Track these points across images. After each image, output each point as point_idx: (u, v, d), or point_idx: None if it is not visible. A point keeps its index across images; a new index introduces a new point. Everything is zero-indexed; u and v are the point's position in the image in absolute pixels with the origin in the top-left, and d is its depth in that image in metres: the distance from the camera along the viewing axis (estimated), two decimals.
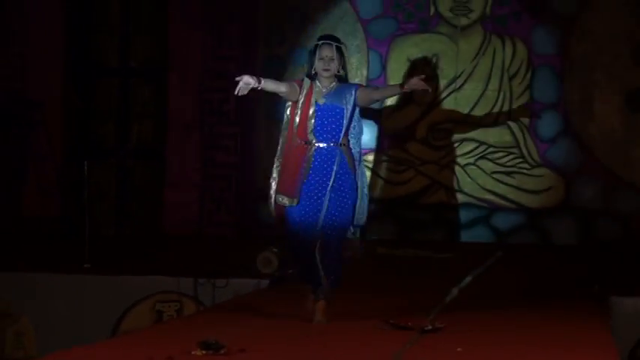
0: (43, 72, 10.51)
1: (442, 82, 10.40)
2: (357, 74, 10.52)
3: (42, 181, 10.44)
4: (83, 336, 7.29)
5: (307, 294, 6.23)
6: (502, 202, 10.21)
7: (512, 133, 10.25)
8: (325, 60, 6.10)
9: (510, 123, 10.26)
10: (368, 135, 10.37)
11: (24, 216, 10.43)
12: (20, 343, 7.90)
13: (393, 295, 7.30)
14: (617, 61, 10.05)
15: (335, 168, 6.03)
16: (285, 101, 6.31)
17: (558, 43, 10.18)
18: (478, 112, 10.34)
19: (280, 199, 6.11)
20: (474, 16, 10.33)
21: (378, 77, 10.51)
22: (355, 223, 6.19)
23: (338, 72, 6.12)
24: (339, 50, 6.12)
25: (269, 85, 6.17)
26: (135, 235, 10.47)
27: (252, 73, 11.00)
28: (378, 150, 10.42)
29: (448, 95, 10.38)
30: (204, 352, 5.01)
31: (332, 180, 6.01)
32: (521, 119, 10.24)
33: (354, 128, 6.17)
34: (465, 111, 10.34)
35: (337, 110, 6.08)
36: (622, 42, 10.03)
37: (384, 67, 10.51)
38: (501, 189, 10.23)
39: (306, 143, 6.11)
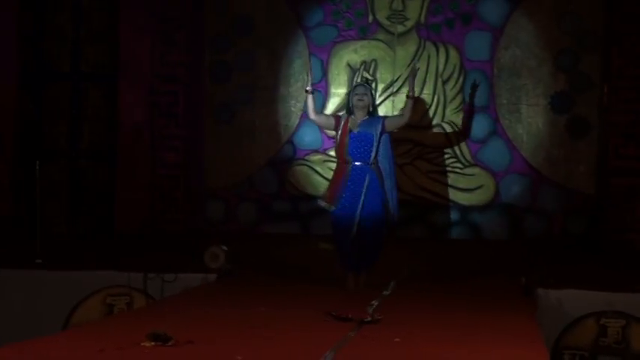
0: None
1: (380, 87, 10.44)
2: (299, 78, 10.52)
3: None
4: (35, 329, 7.18)
5: (347, 276, 7.52)
6: (437, 199, 10.28)
7: (446, 135, 10.32)
8: (359, 95, 7.61)
9: (444, 125, 10.33)
10: (311, 136, 10.41)
11: None
12: None
13: (336, 288, 7.30)
14: (542, 67, 10.18)
15: (366, 182, 7.45)
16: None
17: (489, 50, 10.28)
18: (414, 114, 10.35)
19: (322, 203, 7.62)
20: (409, 23, 10.38)
21: (319, 82, 10.51)
22: (390, 217, 7.63)
23: (371, 106, 7.61)
24: (368, 88, 7.80)
25: (309, 102, 7.73)
26: (87, 233, 10.34)
27: (199, 78, 11.05)
28: (321, 150, 10.42)
29: (386, 99, 10.41)
30: (153, 343, 4.97)
31: (364, 189, 7.44)
32: (455, 121, 10.30)
33: (383, 150, 7.57)
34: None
35: (368, 137, 7.50)
36: (546, 49, 10.17)
37: (325, 73, 10.51)
38: (436, 187, 10.29)
39: (345, 163, 7.52)
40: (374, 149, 7.48)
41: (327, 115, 7.91)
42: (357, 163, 7.48)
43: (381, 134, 7.52)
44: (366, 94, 7.59)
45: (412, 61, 10.07)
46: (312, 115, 7.72)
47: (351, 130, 7.51)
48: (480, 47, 10.29)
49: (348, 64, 10.44)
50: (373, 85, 10.22)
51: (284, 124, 10.57)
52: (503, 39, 10.24)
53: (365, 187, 7.44)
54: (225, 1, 10.60)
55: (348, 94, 7.67)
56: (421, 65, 10.16)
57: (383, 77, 10.43)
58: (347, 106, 7.80)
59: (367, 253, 7.48)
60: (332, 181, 7.69)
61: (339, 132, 7.57)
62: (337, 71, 10.43)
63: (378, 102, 10.34)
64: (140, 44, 10.29)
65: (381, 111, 10.28)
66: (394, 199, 7.62)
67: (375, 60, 10.45)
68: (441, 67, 10.36)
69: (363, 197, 7.41)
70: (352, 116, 7.60)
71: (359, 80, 10.30)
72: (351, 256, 7.48)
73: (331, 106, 10.40)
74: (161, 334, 5.02)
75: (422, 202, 10.26)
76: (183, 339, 5.06)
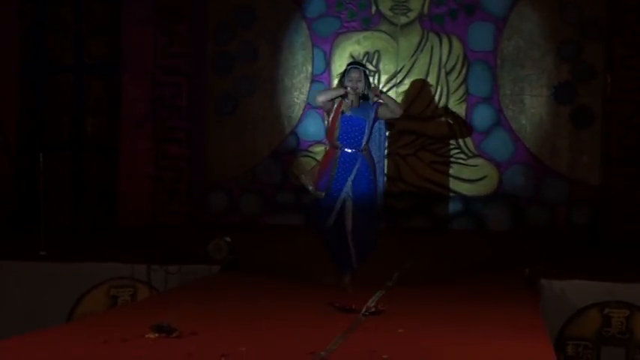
0: None
1: (383, 78, 10.44)
2: (303, 70, 10.52)
3: None
4: (40, 321, 7.21)
5: (340, 275, 7.04)
6: (440, 190, 10.28)
7: (450, 125, 10.32)
8: (353, 81, 7.05)
9: (447, 116, 10.33)
10: (315, 127, 10.41)
11: None
12: None
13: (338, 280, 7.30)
14: (545, 57, 10.17)
15: (356, 167, 6.98)
16: None
17: (492, 41, 10.27)
18: (417, 105, 10.39)
19: (310, 187, 7.09)
20: (412, 14, 10.38)
21: (322, 73, 10.52)
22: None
23: (364, 92, 7.06)
24: (364, 73, 7.11)
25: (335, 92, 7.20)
26: (90, 224, 10.36)
27: (202, 69, 11.00)
28: (325, 142, 10.41)
29: (389, 90, 10.40)
30: (157, 335, 4.99)
31: (352, 175, 6.97)
32: (457, 112, 10.31)
33: (375, 137, 7.11)
34: (405, 105, 10.38)
35: (361, 123, 7.02)
36: (549, 39, 10.16)
37: (327, 64, 10.51)
38: (439, 178, 10.29)
39: (335, 148, 7.05)
40: (365, 136, 7.01)
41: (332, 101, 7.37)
42: (347, 150, 7.01)
43: (374, 121, 7.08)
44: (360, 80, 7.06)
45: (415, 52, 10.08)
46: (325, 96, 7.18)
47: (343, 113, 7.07)
48: (483, 38, 10.29)
49: (351, 56, 10.43)
50: (372, 73, 10.22)
51: (287, 116, 10.57)
52: (507, 29, 10.23)
53: (353, 173, 6.97)
54: None
55: (343, 75, 7.15)
56: (423, 56, 10.19)
57: (386, 68, 10.43)
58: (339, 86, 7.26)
59: (362, 242, 6.99)
60: (320, 166, 7.21)
61: (332, 115, 7.11)
62: (340, 62, 10.43)
63: None
64: (142, 36, 10.29)
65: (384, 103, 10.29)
66: (380, 186, 7.16)
67: (378, 51, 10.45)
68: (444, 58, 10.35)
69: (350, 183, 6.95)
70: (345, 100, 7.10)
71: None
72: (342, 252, 6.99)
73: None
74: (165, 325, 5.03)
75: (425, 193, 10.27)
76: (187, 330, 5.08)
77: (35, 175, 9.02)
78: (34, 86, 10.68)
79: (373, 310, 5.88)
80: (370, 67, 10.39)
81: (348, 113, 7.04)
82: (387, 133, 7.45)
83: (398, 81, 10.40)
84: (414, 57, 10.40)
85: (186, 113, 10.33)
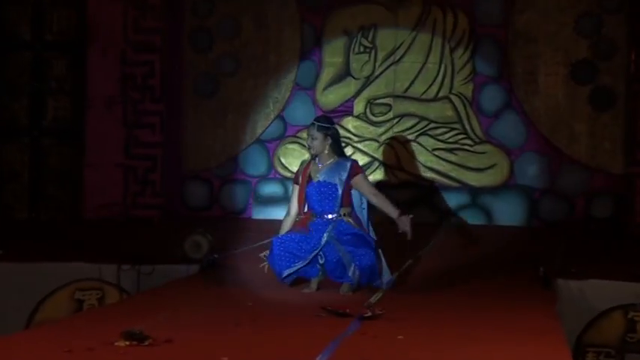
0: None
1: (380, 55, 10.42)
2: (290, 47, 10.50)
3: None
4: None
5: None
6: (444, 180, 10.28)
7: (455, 108, 10.31)
8: (308, 139, 7.01)
9: (452, 97, 10.32)
10: (304, 110, 10.40)
11: None
12: None
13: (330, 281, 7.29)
14: (561, 32, 10.16)
15: (326, 236, 6.80)
16: None
17: (501, 14, 10.26)
18: (418, 86, 10.38)
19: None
20: None
21: (312, 50, 10.50)
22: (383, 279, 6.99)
23: (325, 151, 6.93)
24: (321, 130, 6.94)
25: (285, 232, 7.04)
26: (52, 219, 10.36)
27: (178, 46, 10.97)
28: None
29: (387, 68, 10.41)
30: (127, 343, 4.96)
31: (324, 239, 6.79)
32: (463, 93, 10.30)
33: (355, 200, 6.99)
34: (405, 85, 10.37)
35: (331, 187, 6.91)
36: (566, 11, 10.15)
37: (318, 40, 10.49)
38: (443, 167, 10.29)
39: (307, 214, 6.97)
40: (338, 202, 6.88)
41: (293, 193, 7.16)
42: (318, 218, 6.92)
43: (346, 182, 6.92)
44: (315, 138, 6.92)
45: (416, 27, 10.08)
46: (294, 209, 7.08)
47: (310, 180, 6.98)
48: (492, 10, 10.30)
49: (345, 31, 10.43)
50: (373, 56, 10.22)
51: (273, 97, 10.56)
52: (519, 1, 10.24)
53: (324, 238, 6.79)
54: None
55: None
56: (424, 31, 10.19)
57: (383, 44, 10.43)
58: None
59: (365, 268, 6.84)
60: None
61: (299, 183, 7.04)
62: (332, 39, 10.41)
63: (378, 72, 10.34)
64: (111, 9, 10.32)
65: (382, 83, 10.30)
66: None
67: (374, 25, 10.45)
68: (448, 33, 10.37)
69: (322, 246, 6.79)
70: (314, 160, 7.04)
71: (358, 46, 10.32)
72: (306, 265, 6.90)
73: (325, 77, 10.38)
74: (137, 332, 5.01)
75: (427, 183, 10.29)
76: (162, 338, 5.05)
77: None
78: None
79: (370, 314, 5.87)
80: (366, 43, 10.37)
81: (316, 179, 6.94)
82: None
83: (396, 59, 10.42)
84: (415, 32, 10.39)
85: (160, 95, 10.35)
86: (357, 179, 6.97)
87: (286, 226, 7.08)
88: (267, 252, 6.96)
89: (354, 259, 6.79)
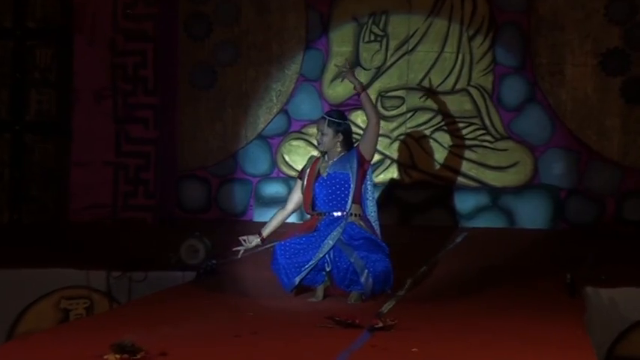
0: None
1: (392, 44, 10.43)
2: (295, 34, 10.51)
3: None
4: None
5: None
6: (462, 179, 10.28)
7: (473, 101, 10.31)
8: (317, 134, 7.18)
9: (471, 89, 10.32)
10: (309, 104, 10.41)
11: None
12: None
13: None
14: (590, 18, 10.16)
15: (336, 232, 6.87)
16: None
17: None
18: (434, 77, 10.38)
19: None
20: None
21: (318, 38, 10.51)
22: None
23: (336, 148, 7.04)
24: (332, 125, 7.06)
25: (273, 225, 7.15)
26: (35, 222, 10.38)
27: (172, 34, 10.97)
28: None
29: (399, 58, 10.42)
30: (118, 356, 4.96)
31: (332, 241, 6.86)
32: (483, 85, 10.30)
33: (368, 193, 7.09)
34: (419, 76, 10.38)
35: (343, 178, 7.00)
36: None
37: (324, 28, 10.50)
38: (461, 165, 10.30)
39: (313, 215, 7.08)
40: (350, 195, 6.95)
41: (294, 188, 7.30)
42: (327, 215, 7.02)
43: (358, 168, 7.00)
44: (325, 134, 7.06)
45: (431, 13, 10.09)
46: (291, 206, 7.21)
47: (319, 175, 7.09)
48: None
49: (354, 17, 10.44)
50: (382, 48, 10.23)
51: (276, 90, 10.57)
52: None
53: (332, 236, 6.87)
54: None
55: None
56: (440, 18, 10.19)
57: (395, 33, 10.44)
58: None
59: (379, 273, 6.91)
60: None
61: (305, 180, 7.14)
62: (340, 26, 10.42)
63: (389, 63, 10.34)
64: None
65: (394, 74, 10.31)
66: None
67: (386, 12, 10.47)
68: (466, 19, 10.36)
69: (328, 249, 6.86)
70: (324, 157, 7.16)
71: (368, 34, 10.33)
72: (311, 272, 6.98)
73: (333, 67, 10.39)
74: (128, 345, 5.01)
75: (443, 183, 10.30)
76: (155, 351, 5.06)
77: None
78: None
79: (381, 324, 5.88)
80: (377, 30, 10.37)
81: (324, 174, 7.04)
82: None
83: (410, 48, 10.43)
84: (430, 18, 10.40)
85: (153, 87, 10.36)
86: (360, 144, 7.09)
87: (275, 220, 7.16)
88: (242, 248, 7.10)
89: (367, 265, 6.82)
